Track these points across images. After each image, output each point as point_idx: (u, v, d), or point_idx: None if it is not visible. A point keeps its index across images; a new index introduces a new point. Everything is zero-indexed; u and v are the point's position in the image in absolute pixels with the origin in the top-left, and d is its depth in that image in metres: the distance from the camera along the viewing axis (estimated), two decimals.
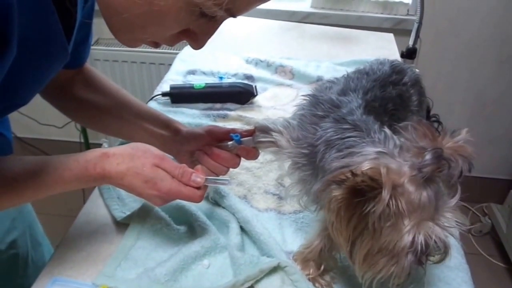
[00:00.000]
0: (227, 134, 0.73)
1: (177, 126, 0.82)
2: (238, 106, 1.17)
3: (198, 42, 0.56)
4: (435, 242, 0.50)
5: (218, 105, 1.16)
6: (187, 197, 0.64)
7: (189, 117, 1.11)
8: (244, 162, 0.73)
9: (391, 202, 0.50)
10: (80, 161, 0.60)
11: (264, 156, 0.90)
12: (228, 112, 1.13)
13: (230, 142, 0.71)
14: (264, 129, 0.70)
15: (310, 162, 0.63)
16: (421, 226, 0.50)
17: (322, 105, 0.66)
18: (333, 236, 0.55)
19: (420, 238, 0.50)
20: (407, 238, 0.50)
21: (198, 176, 0.65)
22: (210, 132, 0.77)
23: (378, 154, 0.54)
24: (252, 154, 0.72)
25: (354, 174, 0.50)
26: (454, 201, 0.52)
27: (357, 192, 0.51)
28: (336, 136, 0.60)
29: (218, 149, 0.72)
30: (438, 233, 0.50)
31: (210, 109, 1.15)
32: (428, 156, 0.51)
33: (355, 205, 0.52)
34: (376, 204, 0.50)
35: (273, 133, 0.68)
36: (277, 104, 1.19)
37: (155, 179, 0.62)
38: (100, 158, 0.61)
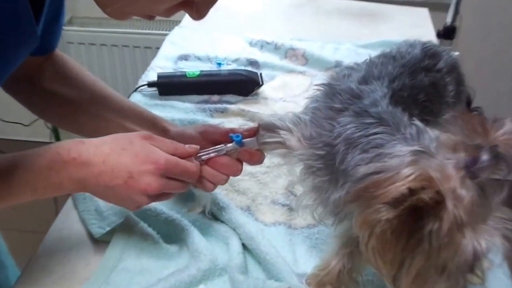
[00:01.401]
0: (225, 135, 0.73)
1: (165, 126, 0.83)
2: (239, 98, 1.17)
3: (199, 11, 0.58)
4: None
5: (215, 98, 1.17)
6: (187, 169, 0.68)
7: (180, 112, 1.11)
8: (247, 167, 0.74)
9: (454, 214, 0.49)
10: (51, 147, 0.62)
11: (271, 159, 0.91)
12: (228, 106, 1.13)
13: (229, 145, 0.72)
14: (270, 127, 0.71)
15: (327, 165, 0.63)
16: (478, 232, 0.50)
17: (340, 95, 0.66)
18: (372, 260, 0.54)
19: (481, 247, 0.49)
20: (468, 250, 0.49)
21: (191, 146, 0.70)
22: (205, 133, 0.78)
23: (415, 153, 0.53)
24: (257, 158, 0.72)
25: (412, 192, 0.48)
26: (501, 197, 0.51)
27: (415, 211, 0.49)
28: (359, 133, 0.60)
29: (217, 154, 0.73)
30: (494, 236, 0.50)
31: (206, 102, 1.16)
32: (485, 157, 0.50)
33: (410, 225, 0.50)
34: (440, 220, 0.48)
35: (281, 132, 0.68)
36: (286, 95, 1.19)
37: (147, 151, 0.64)
38: (74, 144, 0.63)
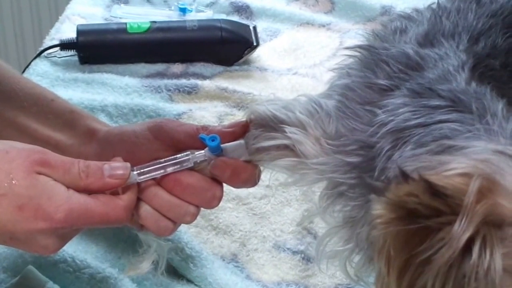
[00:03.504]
0: (193, 136, 0.76)
1: (89, 124, 0.84)
2: (218, 69, 1.19)
3: None
4: None
5: (177, 68, 1.19)
6: (102, 217, 0.69)
7: (116, 93, 1.13)
8: (230, 190, 0.76)
9: (483, 256, 0.52)
10: None
11: (272, 175, 0.91)
12: (199, 82, 1.15)
13: (199, 152, 0.74)
14: (270, 121, 0.72)
15: (365, 180, 0.65)
16: None
17: (388, 66, 0.68)
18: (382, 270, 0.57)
19: None
20: None
21: (117, 166, 0.71)
22: (159, 132, 0.79)
23: (498, 154, 0.56)
24: (246, 175, 0.74)
25: (422, 178, 0.52)
26: None
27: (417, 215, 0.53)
28: (415, 121, 0.63)
29: (178, 169, 0.74)
30: None
31: (161, 75, 1.18)
32: None
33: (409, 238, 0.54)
34: (444, 245, 0.51)
35: (288, 129, 0.70)
36: (298, 64, 1.21)
37: (36, 197, 0.65)
38: None
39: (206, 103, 1.12)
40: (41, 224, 0.65)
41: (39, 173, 0.66)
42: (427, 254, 0.53)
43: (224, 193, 0.76)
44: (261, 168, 0.75)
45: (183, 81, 1.15)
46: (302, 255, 0.90)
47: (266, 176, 0.79)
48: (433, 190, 0.52)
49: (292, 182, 0.75)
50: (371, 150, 0.64)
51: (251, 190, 0.94)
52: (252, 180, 0.75)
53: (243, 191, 0.95)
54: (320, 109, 0.69)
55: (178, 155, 0.74)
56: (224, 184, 0.76)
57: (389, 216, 0.54)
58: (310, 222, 0.93)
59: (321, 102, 0.70)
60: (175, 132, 0.78)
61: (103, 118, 1.05)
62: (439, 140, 0.60)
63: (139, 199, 0.73)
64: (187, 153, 0.74)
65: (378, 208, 0.55)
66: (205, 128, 0.76)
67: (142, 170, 0.72)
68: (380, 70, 0.69)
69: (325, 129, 0.68)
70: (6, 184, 0.65)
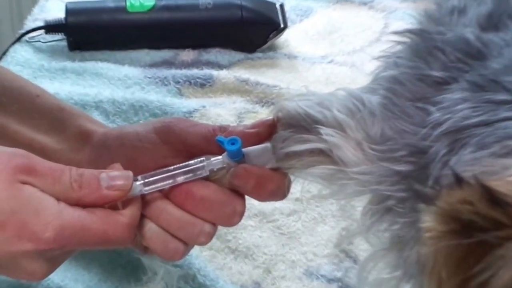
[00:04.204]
0: (208, 138, 0.77)
1: (82, 125, 0.85)
2: (238, 56, 1.21)
3: None
4: None
5: (187, 55, 1.21)
6: (100, 237, 0.69)
7: (114, 86, 1.15)
8: (253, 204, 0.77)
9: None
10: None
11: (304, 186, 0.91)
12: (214, 73, 1.17)
13: (216, 158, 0.75)
14: (301, 121, 0.73)
15: (416, 193, 0.65)
16: None
17: (443, 53, 0.68)
18: None
19: None
20: None
21: (117, 176, 0.71)
22: (168, 134, 0.79)
23: None
24: (272, 186, 0.75)
25: (479, 183, 0.52)
26: None
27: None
28: (476, 119, 0.63)
29: (190, 178, 0.75)
30: None
31: (169, 64, 1.20)
32: None
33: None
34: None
35: (324, 130, 0.70)
36: (334, 51, 1.22)
37: (21, 212, 0.65)
38: None
39: (223, 98, 1.13)
40: (26, 245, 0.65)
41: (23, 183, 0.66)
42: (484, 276, 0.53)
43: (245, 208, 0.77)
44: (291, 177, 0.76)
45: (195, 71, 1.17)
46: (340, 284, 0.90)
47: (297, 187, 0.79)
48: (493, 197, 0.52)
49: (328, 194, 0.76)
50: (424, 155, 0.65)
51: (277, 204, 0.96)
52: (280, 192, 0.76)
53: (268, 206, 0.96)
54: (362, 107, 0.70)
55: (190, 162, 0.74)
56: (246, 197, 0.76)
57: (440, 229, 0.55)
58: (349, 243, 0.93)
59: (364, 98, 0.71)
60: (186, 134, 0.78)
61: (97, 117, 1.06)
62: (504, 141, 0.60)
63: (143, 216, 0.73)
64: (202, 159, 0.74)
65: (427, 220, 0.55)
66: (223, 129, 0.76)
67: (146, 180, 0.72)
68: (434, 59, 0.69)
69: (368, 131, 0.69)
70: None
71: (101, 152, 0.81)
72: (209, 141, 0.76)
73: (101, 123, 0.89)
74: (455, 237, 0.54)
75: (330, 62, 1.21)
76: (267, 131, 0.75)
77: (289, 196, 0.77)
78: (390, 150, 0.67)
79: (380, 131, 0.69)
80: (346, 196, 0.73)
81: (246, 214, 0.76)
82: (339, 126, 0.70)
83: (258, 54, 1.22)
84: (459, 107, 0.64)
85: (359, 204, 0.72)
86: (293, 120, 0.73)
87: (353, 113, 0.70)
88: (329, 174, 0.72)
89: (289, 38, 1.24)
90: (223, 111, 1.10)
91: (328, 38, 1.25)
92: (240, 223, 0.83)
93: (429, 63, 0.69)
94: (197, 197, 0.74)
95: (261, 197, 0.76)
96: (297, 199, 0.97)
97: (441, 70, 0.68)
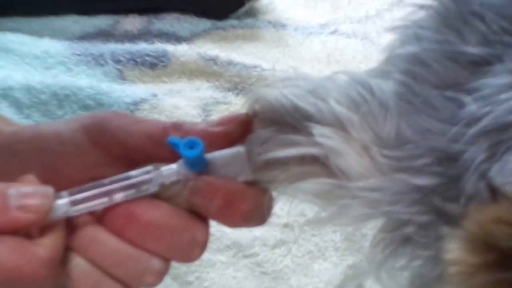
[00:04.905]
0: (158, 140, 0.78)
1: None
2: (203, 24, 1.24)
3: None
4: None
5: (132, 23, 1.24)
6: (10, 274, 0.70)
7: (29, 66, 1.16)
8: (224, 233, 0.77)
9: None
10: None
11: (294, 208, 0.93)
12: (170, 49, 1.19)
13: (168, 167, 0.76)
14: (287, 116, 0.74)
15: (444, 216, 0.67)
16: None
17: (482, 21, 0.70)
18: None
19: None
20: None
21: (30, 192, 0.71)
22: (102, 134, 0.81)
23: None
24: (247, 206, 0.76)
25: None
26: None
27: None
28: None
29: (132, 196, 0.76)
30: None
31: (106, 36, 1.22)
32: None
33: None
34: None
35: (317, 130, 0.72)
36: (336, 18, 1.24)
37: None
38: None
39: (182, 84, 1.14)
40: None
41: None
42: None
43: (212, 237, 0.77)
44: (273, 194, 0.77)
45: (143, 46, 1.18)
46: None
47: (283, 208, 0.81)
48: None
49: (326, 218, 0.76)
50: (454, 164, 0.65)
51: (258, 232, 0.96)
52: (257, 215, 0.77)
53: (245, 235, 0.96)
54: (371, 97, 0.71)
55: (132, 173, 0.75)
56: (212, 222, 0.77)
57: (471, 261, 0.56)
58: (357, 286, 0.94)
59: (373, 85, 0.71)
60: (127, 134, 0.79)
61: (5, 110, 1.07)
62: None
63: (68, 247, 0.73)
64: (148, 169, 0.75)
65: (453, 249, 0.56)
66: (178, 126, 0.77)
67: (73, 198, 0.72)
68: (471, 30, 0.70)
69: (379, 130, 0.70)
70: None
71: (9, 159, 0.82)
72: (159, 144, 0.76)
73: (8, 119, 0.89)
74: (492, 272, 0.55)
75: (333, 33, 1.22)
76: (240, 130, 0.76)
77: (274, 221, 0.78)
78: (408, 157, 0.68)
79: (394, 131, 0.69)
80: (350, 221, 0.73)
81: (213, 245, 0.77)
82: (338, 124, 0.71)
83: (231, 22, 1.24)
84: (503, 96, 0.65)
85: (369, 231, 0.73)
86: (276, 115, 0.74)
87: (358, 106, 0.71)
88: (325, 190, 0.73)
89: (269, 2, 1.25)
90: (182, 101, 1.11)
91: (328, 1, 1.26)
92: (205, 258, 0.84)
93: (463, 35, 0.70)
94: (142, 222, 0.74)
95: (232, 222, 0.77)
96: (285, 225, 0.98)
97: (480, 45, 0.69)
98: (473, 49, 0.69)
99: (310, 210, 0.83)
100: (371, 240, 0.73)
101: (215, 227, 0.77)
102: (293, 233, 1.01)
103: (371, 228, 0.73)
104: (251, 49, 1.19)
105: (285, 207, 0.82)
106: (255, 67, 1.16)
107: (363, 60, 0.93)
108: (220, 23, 1.24)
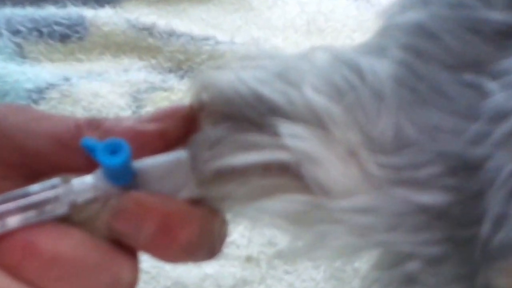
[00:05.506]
0: (69, 142, 0.78)
1: None
2: None
3: None
4: None
5: None
6: None
7: None
8: (163, 269, 0.77)
9: None
10: None
11: (260, 235, 0.94)
12: (88, 14, 1.19)
13: (81, 181, 0.76)
14: (245, 109, 0.73)
15: (462, 246, 0.68)
16: None
17: None
18: None
19: None
20: None
21: None
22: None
23: None
24: (189, 233, 0.76)
25: None
26: None
27: None
28: None
29: (32, 219, 0.76)
30: None
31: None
32: None
33: None
34: None
35: (285, 128, 0.71)
36: None
37: None
38: None
39: (105, 63, 1.13)
40: None
41: None
42: None
43: (145, 276, 0.76)
44: (227, 217, 0.76)
45: (51, 12, 1.17)
46: None
47: (244, 235, 0.80)
48: None
49: (303, 250, 0.75)
50: (474, 174, 0.64)
51: (209, 269, 0.95)
52: (205, 245, 0.76)
53: (191, 272, 0.95)
54: (360, 82, 0.70)
55: (33, 188, 0.73)
56: (145, 256, 0.76)
57: None
58: None
59: (363, 65, 0.70)
60: (26, 135, 0.78)
61: None
62: None
63: None
64: (55, 182, 0.73)
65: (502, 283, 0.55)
66: (96, 124, 0.77)
67: None
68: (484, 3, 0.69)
69: (370, 128, 0.69)
70: None
71: None
72: (70, 148, 0.75)
73: None
74: None
75: None
76: (181, 128, 0.75)
77: (232, 252, 0.77)
78: (410, 166, 0.67)
79: (391, 129, 0.68)
80: (333, 253, 0.71)
81: (150, 286, 0.77)
82: (315, 120, 0.69)
83: None
84: None
85: (365, 265, 0.73)
86: (231, 108, 0.73)
87: (342, 95, 0.69)
88: (298, 211, 0.71)
89: None
90: (104, 87, 1.09)
91: None
92: None
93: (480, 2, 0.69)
94: (45, 256, 0.72)
95: (170, 256, 0.75)
96: (248, 259, 0.96)
97: (510, 10, 0.69)
98: (499, 15, 0.68)
99: (282, 238, 0.80)
100: (362, 280, 0.72)
101: (149, 262, 0.75)
102: (258, 270, 0.98)
103: (365, 261, 0.70)
104: (201, 14, 1.18)
105: (246, 234, 0.76)
106: (207, 39, 1.14)
107: (357, 29, 0.93)
108: None
